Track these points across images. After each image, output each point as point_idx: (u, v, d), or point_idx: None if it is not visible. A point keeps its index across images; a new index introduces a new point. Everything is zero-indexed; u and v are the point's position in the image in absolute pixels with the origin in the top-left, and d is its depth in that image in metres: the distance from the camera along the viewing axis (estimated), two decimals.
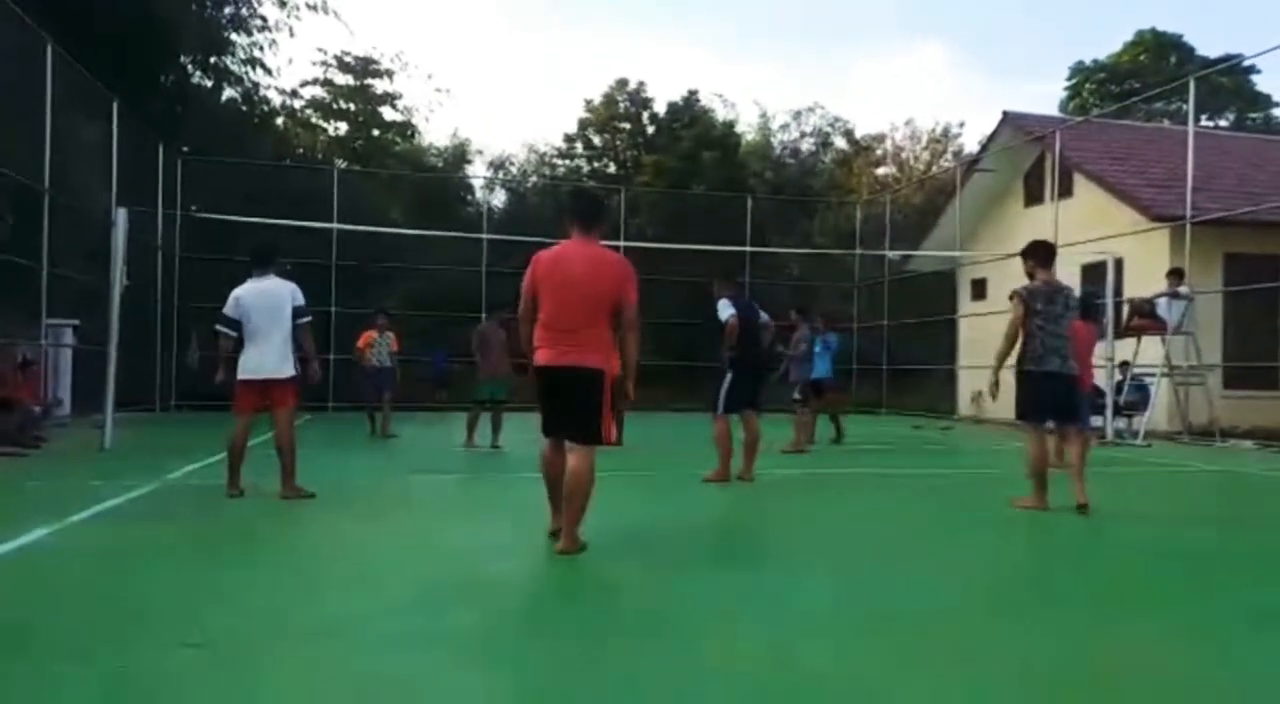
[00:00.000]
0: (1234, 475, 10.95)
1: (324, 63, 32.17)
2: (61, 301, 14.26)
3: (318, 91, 32.53)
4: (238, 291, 7.62)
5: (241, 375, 7.52)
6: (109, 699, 3.14)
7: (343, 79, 32.51)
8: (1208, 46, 51.25)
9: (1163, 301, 15.22)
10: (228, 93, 24.77)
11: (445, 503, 8.07)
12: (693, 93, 34.42)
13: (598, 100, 34.78)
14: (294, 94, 31.47)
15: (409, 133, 33.58)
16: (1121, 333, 15.77)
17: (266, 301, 7.50)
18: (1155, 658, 3.72)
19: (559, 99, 61.62)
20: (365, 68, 32.35)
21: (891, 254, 25.20)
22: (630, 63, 71.86)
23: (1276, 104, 38.57)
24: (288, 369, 7.55)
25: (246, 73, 24.87)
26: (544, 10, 59.64)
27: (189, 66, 22.85)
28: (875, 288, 25.69)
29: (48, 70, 13.77)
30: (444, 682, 3.32)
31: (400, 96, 33.15)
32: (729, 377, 8.98)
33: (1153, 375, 15.67)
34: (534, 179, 34.32)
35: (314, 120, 32.71)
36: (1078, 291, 11.34)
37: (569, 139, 35.19)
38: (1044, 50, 65.14)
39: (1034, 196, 21.21)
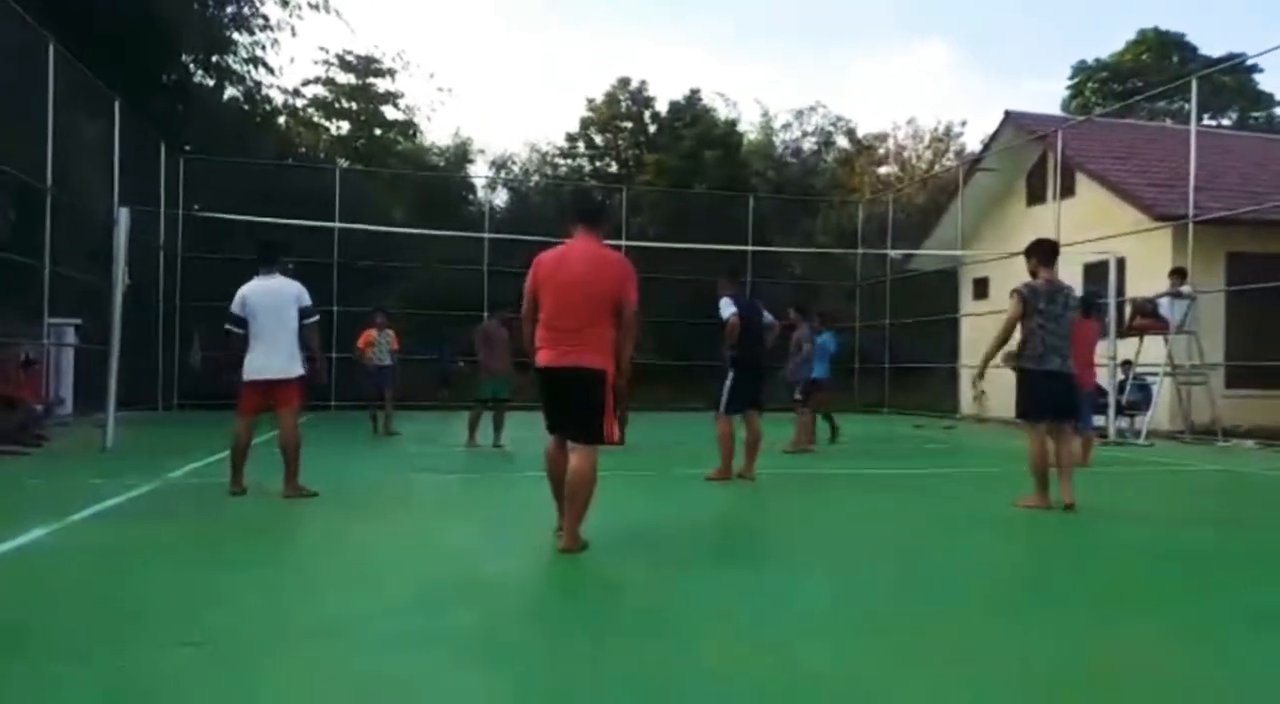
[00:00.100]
0: (1235, 475, 10.94)
1: (326, 62, 32.28)
2: (64, 301, 14.28)
3: (320, 90, 32.61)
4: (244, 290, 7.61)
5: (246, 376, 7.51)
6: (108, 699, 3.14)
7: (344, 78, 32.55)
8: (1210, 45, 51.19)
9: (1165, 301, 15.21)
10: (230, 92, 24.81)
11: (446, 502, 8.08)
12: (695, 92, 34.44)
13: (600, 99, 34.79)
14: (296, 93, 31.57)
15: (411, 132, 33.62)
16: (1124, 332, 15.76)
17: (272, 300, 7.49)
18: (1154, 658, 3.72)
19: (560, 98, 61.72)
20: (367, 67, 32.39)
21: (893, 253, 25.20)
22: (629, 63, 72.13)
23: (1279, 103, 38.55)
24: (295, 369, 7.53)
25: (248, 72, 24.95)
26: (542, 10, 59.71)
27: (191, 65, 22.87)
28: (877, 287, 25.68)
29: (49, 69, 13.79)
30: (444, 681, 3.32)
31: (402, 96, 33.26)
32: (731, 376, 8.98)
33: (1155, 375, 15.66)
34: (536, 178, 34.33)
35: (316, 119, 32.75)
36: (1080, 291, 11.40)
37: (571, 138, 35.20)
38: (1045, 49, 65.22)
39: (1036, 196, 21.19)
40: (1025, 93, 68.35)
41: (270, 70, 25.69)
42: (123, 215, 11.91)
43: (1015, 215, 21.71)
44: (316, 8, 25.43)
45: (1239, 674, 3.56)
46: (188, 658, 3.46)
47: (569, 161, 35.29)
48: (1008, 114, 21.96)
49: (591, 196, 5.72)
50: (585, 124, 35.01)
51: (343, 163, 28.21)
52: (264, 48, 24.83)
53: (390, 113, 33.26)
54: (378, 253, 22.63)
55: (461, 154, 33.82)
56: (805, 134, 36.77)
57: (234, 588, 4.58)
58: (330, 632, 3.84)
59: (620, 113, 34.62)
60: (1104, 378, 14.20)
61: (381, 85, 32.83)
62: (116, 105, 16.53)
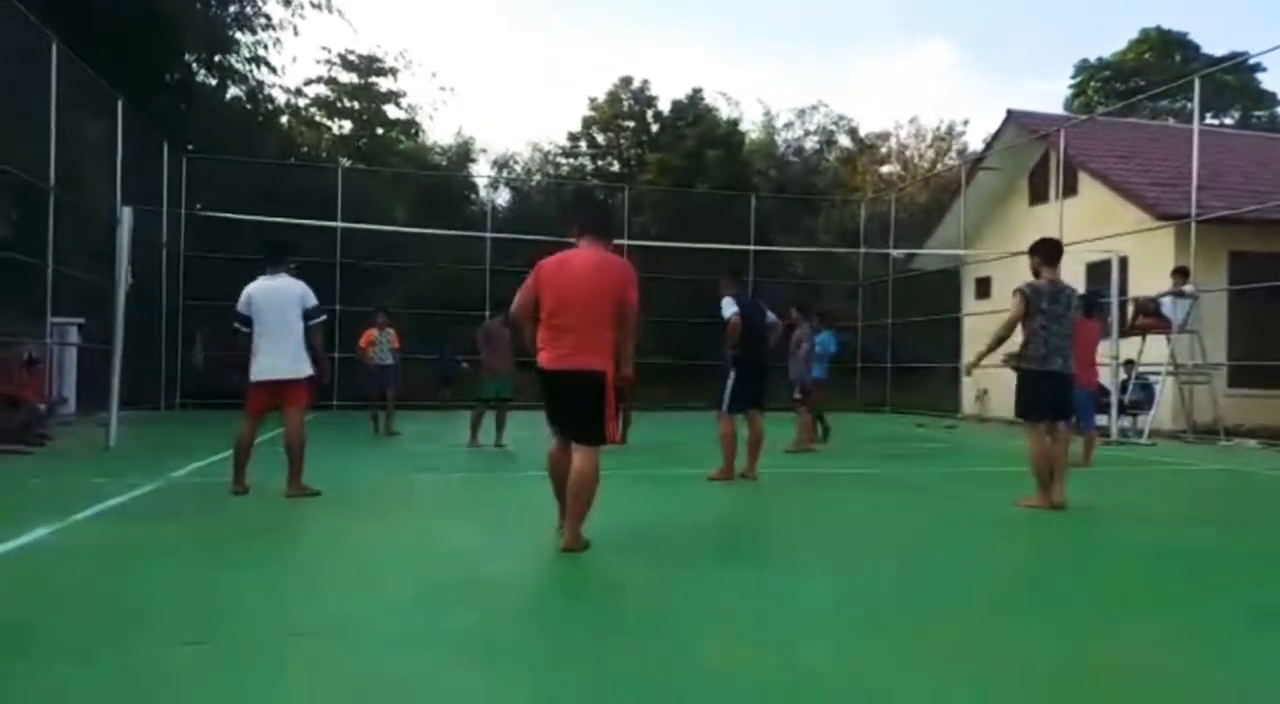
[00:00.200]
0: (1238, 475, 10.93)
1: (328, 61, 32.27)
2: (66, 300, 14.29)
3: (322, 90, 32.61)
4: (249, 289, 7.61)
5: (253, 377, 7.51)
6: (109, 699, 3.15)
7: (347, 77, 32.55)
8: (1213, 44, 51.22)
9: (1167, 300, 15.20)
10: (232, 91, 24.81)
11: (448, 502, 8.08)
12: (697, 91, 34.42)
13: (602, 98, 34.78)
14: (298, 92, 31.56)
15: (413, 131, 33.62)
16: (1126, 332, 15.75)
17: (276, 300, 7.49)
18: (1156, 658, 3.72)
19: (562, 98, 61.66)
20: (369, 66, 32.39)
21: (896, 253, 25.19)
22: (631, 62, 72.11)
23: None
24: (302, 369, 7.53)
25: (251, 71, 24.92)
26: (544, 10, 59.70)
27: (193, 65, 22.87)
28: (879, 286, 25.68)
29: (52, 68, 13.79)
30: (445, 681, 3.33)
31: (404, 95, 33.25)
32: (733, 375, 8.98)
33: (1157, 374, 15.65)
34: (538, 178, 34.32)
35: (318, 119, 32.75)
36: (1082, 290, 11.42)
37: (573, 137, 35.19)
38: (1047, 48, 65.15)
39: (1039, 195, 21.18)
40: (1027, 92, 68.41)
41: (273, 69, 25.68)
42: (126, 215, 11.92)
43: (1018, 215, 21.69)
44: (319, 7, 25.47)
45: (1241, 674, 3.56)
46: (190, 657, 3.46)
47: (571, 161, 35.29)
48: (1010, 113, 21.94)
49: (600, 206, 5.75)
50: (587, 123, 35.01)
51: (345, 162, 28.21)
52: (266, 47, 24.85)
53: (392, 112, 33.29)
54: (380, 252, 22.63)
55: (464, 153, 33.83)
56: (807, 133, 36.82)
57: (236, 587, 4.58)
58: (332, 631, 3.85)
59: (622, 112, 34.61)
60: (1106, 377, 14.19)
61: (384, 84, 32.86)
62: (119, 104, 16.54)
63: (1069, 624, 4.18)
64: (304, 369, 7.54)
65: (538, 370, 5.58)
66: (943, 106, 77.80)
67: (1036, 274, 7.61)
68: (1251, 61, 33.69)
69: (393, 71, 32.67)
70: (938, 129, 36.63)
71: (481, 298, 21.77)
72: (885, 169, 36.47)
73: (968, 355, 22.40)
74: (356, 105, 32.79)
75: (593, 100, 34.91)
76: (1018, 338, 7.61)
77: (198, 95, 22.98)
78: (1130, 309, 16.18)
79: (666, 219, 28.15)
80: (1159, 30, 38.91)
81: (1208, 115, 31.00)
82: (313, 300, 7.62)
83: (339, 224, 20.03)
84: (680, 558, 5.51)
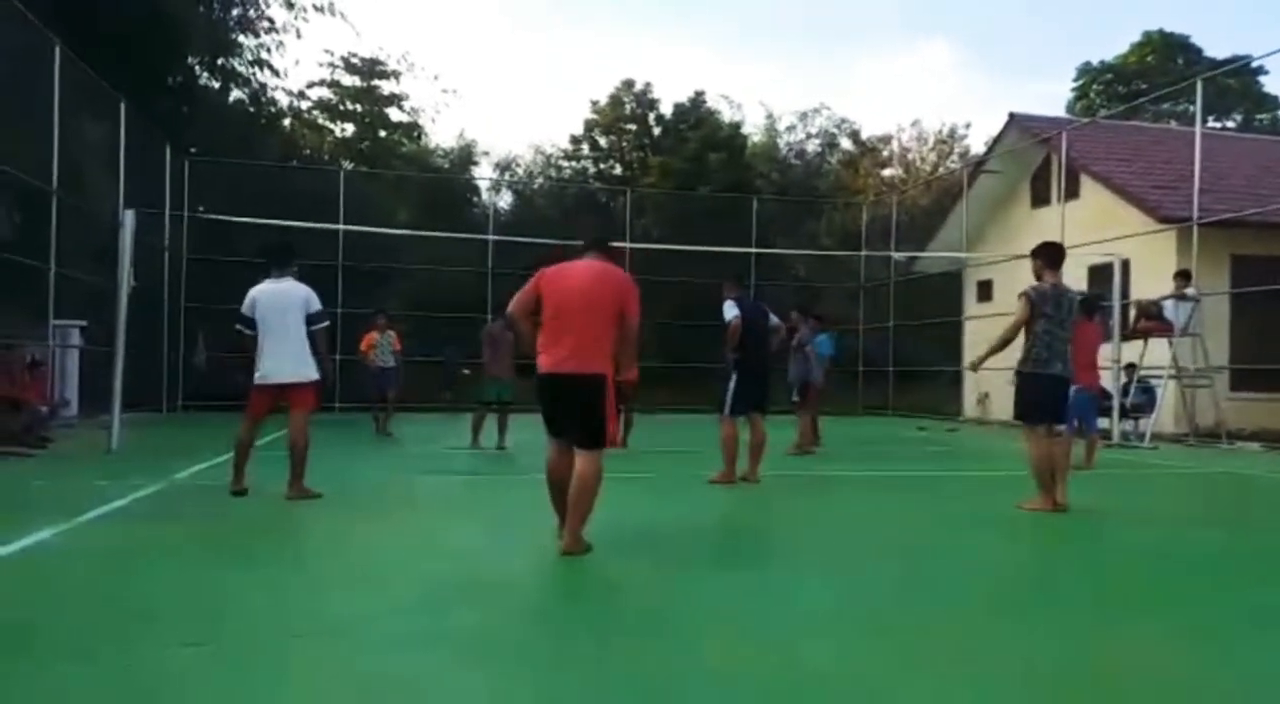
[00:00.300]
0: (1240, 478, 10.92)
1: (331, 64, 32.28)
2: (69, 302, 14.29)
3: (324, 93, 32.61)
4: (254, 291, 7.61)
5: (256, 380, 7.52)
6: (112, 699, 3.15)
7: (349, 80, 32.57)
8: (1215, 47, 51.20)
9: (1169, 303, 15.19)
10: (235, 94, 24.82)
11: (450, 504, 8.08)
12: (699, 94, 34.43)
13: (604, 101, 34.81)
14: (301, 95, 31.56)
15: (415, 134, 33.63)
16: (1128, 335, 15.74)
17: (279, 303, 7.49)
18: (1159, 658, 3.72)
19: (564, 100, 61.70)
20: (372, 69, 32.41)
21: (897, 255, 25.18)
22: (633, 63, 72.02)
23: None
24: (308, 372, 7.53)
25: (253, 74, 24.92)
26: (546, 10, 59.78)
27: (196, 67, 22.88)
28: (881, 289, 25.67)
29: (55, 70, 13.81)
30: (447, 681, 3.33)
31: (407, 97, 33.25)
32: (734, 378, 8.97)
33: (1159, 377, 15.64)
34: (540, 181, 34.35)
35: (321, 121, 32.77)
36: (1084, 293, 11.42)
37: (575, 140, 35.21)
38: (1049, 50, 65.17)
39: (1040, 198, 21.17)
40: (1029, 94, 68.47)
41: (275, 72, 25.67)
42: (128, 217, 11.94)
43: (1019, 217, 21.69)
44: (321, 10, 25.48)
45: (1244, 674, 3.56)
46: (193, 658, 3.47)
47: (573, 164, 35.32)
48: (1012, 116, 21.95)
49: (609, 227, 5.87)
50: (589, 126, 35.04)
51: (347, 165, 28.24)
52: (269, 50, 24.88)
53: (395, 115, 33.31)
54: (382, 255, 22.65)
55: (466, 156, 33.86)
56: (809, 136, 36.82)
57: (239, 588, 4.59)
58: (334, 631, 3.86)
59: (624, 115, 34.64)
60: (1108, 380, 14.18)
61: (386, 87, 32.88)
62: (122, 107, 16.56)
63: (1071, 625, 4.18)
64: (309, 373, 7.53)
65: (537, 375, 5.58)
66: (944, 108, 77.90)
67: (1039, 277, 7.62)
68: (1254, 64, 33.75)
69: (395, 74, 32.73)
70: (939, 132, 36.69)
71: (483, 301, 21.78)
72: (887, 172, 36.48)
73: (969, 359, 22.44)
74: (359, 108, 32.81)
75: (595, 103, 34.98)
76: (1018, 341, 7.62)
77: (200, 98, 23.01)
78: (1132, 312, 16.17)
79: (668, 222, 28.16)
80: (1161, 33, 38.93)
81: (1210, 118, 30.98)
82: (317, 305, 7.62)
83: (341, 227, 20.06)
84: (682, 559, 5.52)
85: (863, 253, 26.15)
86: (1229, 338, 16.53)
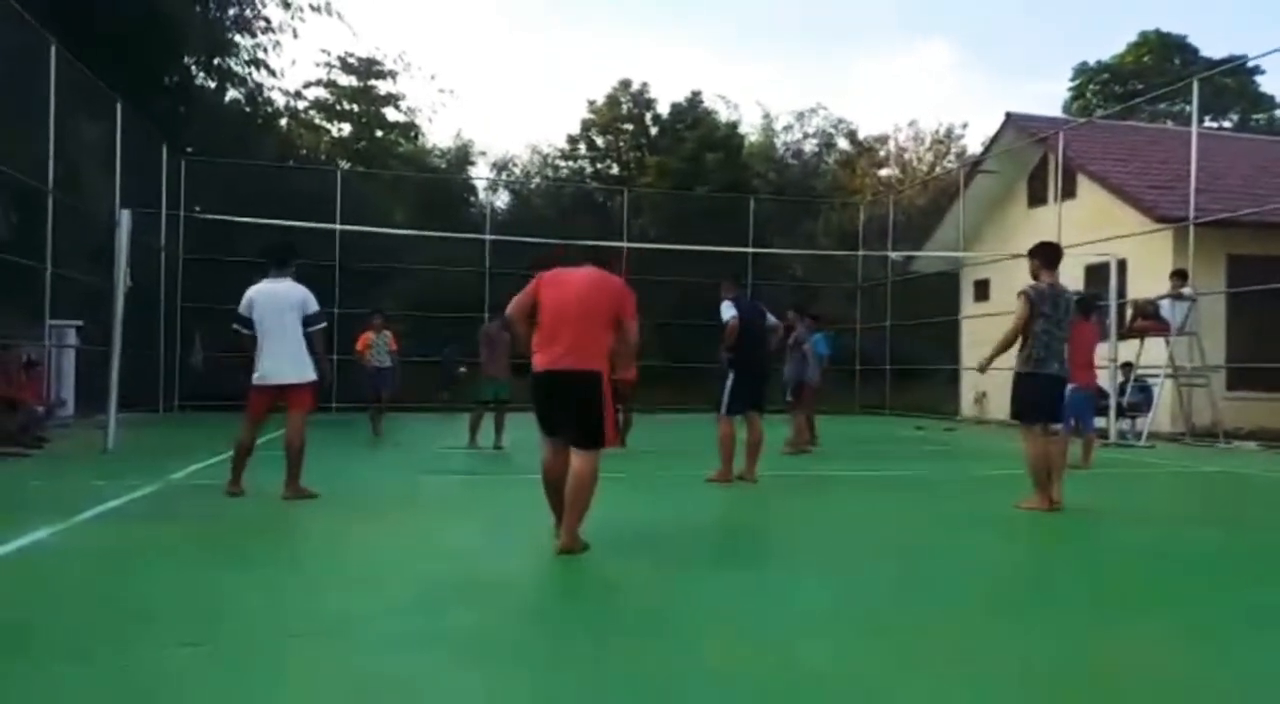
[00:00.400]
0: (1236, 477, 10.93)
1: (327, 64, 32.26)
2: (65, 302, 14.28)
3: (321, 93, 32.59)
4: (251, 291, 7.60)
5: (254, 380, 7.52)
6: (109, 699, 3.14)
7: (346, 80, 32.54)
8: (1212, 47, 51.18)
9: (1166, 303, 15.21)
10: (231, 94, 24.81)
11: (447, 503, 8.08)
12: (696, 94, 34.45)
13: (601, 101, 34.80)
14: (297, 95, 31.56)
15: (412, 134, 33.59)
16: (1125, 334, 15.76)
17: (275, 304, 7.48)
18: (1156, 658, 3.72)
19: (561, 100, 61.78)
20: (369, 69, 32.37)
21: (894, 255, 25.21)
22: (630, 63, 72.03)
23: None
24: (305, 373, 7.51)
25: (250, 74, 24.92)
26: (543, 10, 59.76)
27: (192, 67, 22.87)
28: (878, 289, 25.69)
29: (51, 70, 13.79)
30: (444, 681, 3.32)
31: (403, 97, 33.22)
32: (731, 377, 8.97)
33: (1156, 377, 15.65)
34: (537, 180, 34.35)
35: (317, 121, 32.74)
36: (1081, 293, 11.43)
37: (572, 140, 35.21)
38: (1046, 50, 65.20)
39: (1037, 198, 21.20)
40: (1026, 94, 68.47)
41: (272, 72, 25.67)
42: (124, 217, 11.92)
43: (1016, 217, 21.72)
44: (318, 10, 25.46)
45: (1241, 673, 3.56)
46: (189, 658, 3.46)
47: (570, 164, 35.32)
48: (1009, 116, 21.97)
49: (608, 250, 5.96)
50: (586, 126, 35.03)
51: (344, 165, 28.21)
52: (266, 50, 24.87)
53: (392, 115, 33.28)
54: (379, 255, 22.64)
55: (463, 156, 33.84)
56: (806, 136, 36.85)
57: (235, 588, 4.58)
58: (331, 632, 3.85)
59: (621, 115, 34.64)
60: (1104, 380, 14.19)
61: (383, 87, 32.85)
62: (118, 107, 16.55)
63: (1069, 624, 4.18)
64: (307, 374, 7.52)
65: (532, 374, 5.59)
66: (941, 108, 77.99)
67: (1035, 277, 7.63)
68: (1250, 64, 33.75)
69: (392, 74, 32.70)
70: (936, 132, 36.72)
71: (480, 300, 21.80)
72: (884, 172, 36.50)
73: (967, 358, 22.51)
74: (356, 108, 32.78)
75: (592, 103, 34.98)
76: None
77: (197, 98, 22.99)
78: (1129, 311, 16.20)
79: (665, 222, 28.17)
80: (1158, 33, 38.95)
81: (1206, 118, 31.05)
82: (314, 307, 7.61)
83: (338, 226, 20.04)
84: (680, 558, 5.51)
85: (860, 252, 26.18)
86: (1225, 337, 16.56)
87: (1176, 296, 15.04)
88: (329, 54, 32.23)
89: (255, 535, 6.18)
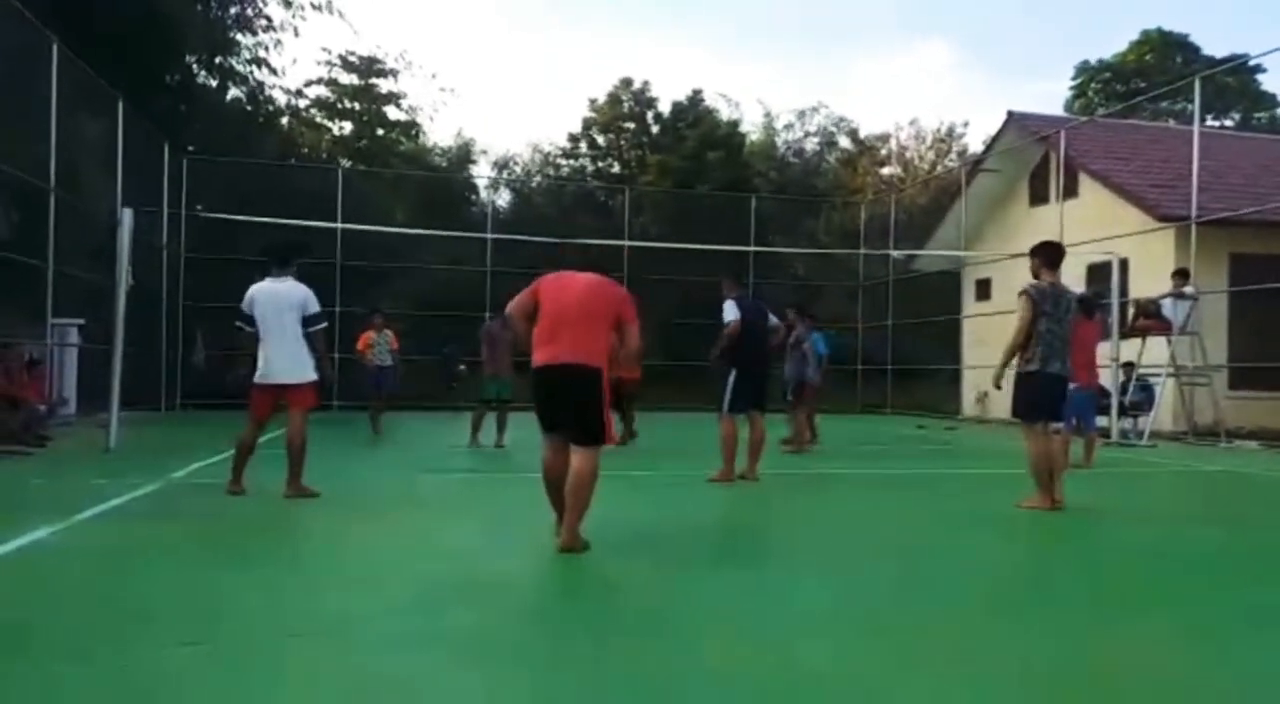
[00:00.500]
0: (1238, 476, 10.92)
1: (329, 62, 32.24)
2: (67, 301, 14.28)
3: (322, 91, 32.57)
4: (253, 289, 7.61)
5: (256, 379, 7.53)
6: (109, 699, 3.14)
7: (347, 79, 32.52)
8: (1213, 46, 51.22)
9: (1168, 302, 15.20)
10: (233, 92, 24.80)
11: (448, 502, 8.08)
12: (697, 92, 34.45)
13: (602, 100, 34.80)
14: (299, 94, 31.52)
15: (413, 132, 33.58)
16: (1127, 333, 15.75)
17: (276, 302, 7.48)
18: (1156, 657, 3.72)
19: (561, 99, 61.74)
20: (370, 67, 32.36)
21: (896, 254, 25.20)
22: (631, 62, 72.17)
23: None
24: (305, 373, 7.52)
25: (251, 72, 24.91)
26: (543, 10, 59.73)
27: (194, 66, 22.86)
28: (879, 288, 25.69)
29: (53, 69, 13.79)
30: (444, 681, 3.32)
31: (404, 96, 33.20)
32: (733, 376, 8.96)
33: (1158, 376, 15.64)
34: (538, 179, 34.34)
35: (319, 120, 32.72)
36: (1083, 292, 11.43)
37: (573, 139, 35.21)
38: (1048, 49, 65.18)
39: (1039, 196, 21.18)
40: (1028, 93, 68.44)
41: (273, 71, 25.66)
42: (126, 215, 11.92)
43: (1018, 216, 21.70)
44: (319, 8, 25.43)
45: (1241, 673, 3.56)
46: (189, 657, 3.46)
47: (571, 162, 35.32)
48: (1010, 114, 21.95)
49: (606, 259, 6.05)
50: (588, 125, 35.03)
51: (345, 163, 28.20)
52: (267, 48, 24.84)
53: (393, 113, 33.25)
54: (380, 253, 22.65)
55: (464, 155, 33.83)
56: (808, 134, 36.84)
57: (236, 588, 4.58)
58: (331, 631, 3.85)
59: (623, 113, 34.63)
60: (1106, 379, 14.18)
61: (384, 86, 32.82)
62: (120, 105, 16.55)
63: (1069, 624, 4.18)
64: (307, 374, 7.53)
65: (533, 369, 5.60)
66: (942, 107, 77.98)
67: (1037, 276, 7.63)
68: (1252, 63, 33.75)
69: (393, 73, 32.67)
70: (938, 131, 36.69)
71: (482, 299, 21.82)
72: (885, 170, 36.50)
73: (968, 357, 22.53)
74: (357, 106, 32.77)
75: (593, 101, 34.99)
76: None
77: (198, 96, 22.98)
78: (1131, 311, 16.19)
79: (667, 220, 28.18)
80: (1160, 31, 38.91)
81: (1208, 117, 30.99)
82: (314, 307, 7.61)
83: (339, 225, 20.05)
84: (680, 558, 5.51)
85: (861, 251, 26.17)
86: (1227, 336, 16.55)
87: (1178, 296, 15.03)
88: (330, 53, 32.27)
89: (256, 534, 6.19)
